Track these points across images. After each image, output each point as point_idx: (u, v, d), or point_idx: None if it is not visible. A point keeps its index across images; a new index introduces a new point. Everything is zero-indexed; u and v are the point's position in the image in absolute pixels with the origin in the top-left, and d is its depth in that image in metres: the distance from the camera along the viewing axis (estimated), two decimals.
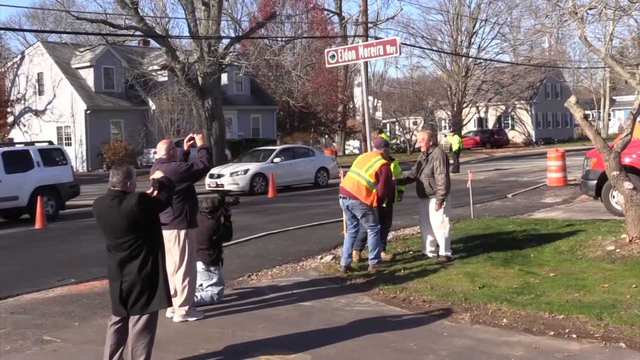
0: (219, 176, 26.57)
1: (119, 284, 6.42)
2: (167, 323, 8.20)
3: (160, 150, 8.66)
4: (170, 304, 6.82)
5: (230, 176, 26.30)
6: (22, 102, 47.61)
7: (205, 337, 7.83)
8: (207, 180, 26.46)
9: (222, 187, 25.86)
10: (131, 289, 6.40)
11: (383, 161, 10.67)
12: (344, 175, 11.07)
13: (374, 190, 10.51)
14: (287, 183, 27.67)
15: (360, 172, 10.57)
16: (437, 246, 11.33)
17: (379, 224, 10.83)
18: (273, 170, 26.63)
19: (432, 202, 11.09)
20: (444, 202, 11.02)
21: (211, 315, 8.68)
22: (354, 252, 11.22)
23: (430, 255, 11.34)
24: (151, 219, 6.56)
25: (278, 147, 29.42)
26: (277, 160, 27.48)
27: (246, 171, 26.37)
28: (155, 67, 46.28)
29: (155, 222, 6.71)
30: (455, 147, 34.68)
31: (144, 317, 6.48)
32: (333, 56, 13.02)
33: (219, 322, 8.42)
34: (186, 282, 8.46)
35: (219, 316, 8.66)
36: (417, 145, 11.58)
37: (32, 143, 22.35)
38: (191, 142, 8.87)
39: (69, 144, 44.45)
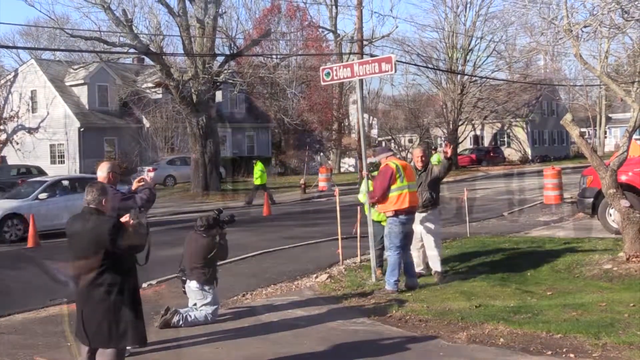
0: None
1: (81, 311, 6.23)
2: (160, 343, 8.08)
3: (101, 170, 7.99)
4: (137, 343, 6.43)
5: None
6: (15, 119, 47.58)
7: (199, 357, 7.73)
8: None
9: None
10: (92, 319, 6.17)
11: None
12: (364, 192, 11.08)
13: None
14: (58, 226, 17.56)
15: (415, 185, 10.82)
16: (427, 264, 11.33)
17: None
18: (36, 209, 19.64)
19: (426, 216, 11.11)
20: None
21: (204, 335, 8.57)
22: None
23: (423, 272, 11.27)
24: (120, 249, 6.16)
25: (49, 179, 22.50)
26: (43, 196, 20.45)
27: None
28: (150, 85, 46.31)
29: (126, 254, 6.39)
30: None
31: (109, 352, 6.23)
32: (328, 74, 12.94)
33: (213, 342, 8.32)
34: None
35: (213, 336, 8.55)
36: (414, 162, 11.52)
37: None
38: (142, 182, 8.25)
39: (62, 162, 44.39)
